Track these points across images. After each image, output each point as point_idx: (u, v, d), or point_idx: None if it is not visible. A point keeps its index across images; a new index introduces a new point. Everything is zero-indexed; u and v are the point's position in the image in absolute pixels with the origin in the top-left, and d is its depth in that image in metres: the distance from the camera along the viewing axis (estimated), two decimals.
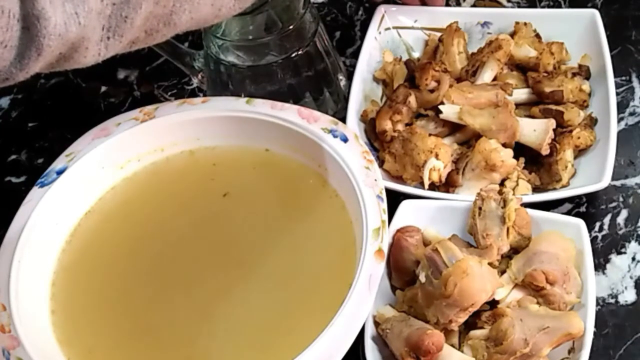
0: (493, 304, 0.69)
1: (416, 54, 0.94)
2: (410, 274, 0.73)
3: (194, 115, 0.79)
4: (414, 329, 0.67)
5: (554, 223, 0.74)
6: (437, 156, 0.79)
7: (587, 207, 0.81)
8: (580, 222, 0.73)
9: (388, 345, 0.69)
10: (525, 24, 0.90)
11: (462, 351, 0.67)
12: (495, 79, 0.86)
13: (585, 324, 0.66)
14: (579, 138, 0.81)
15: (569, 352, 0.67)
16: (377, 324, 0.70)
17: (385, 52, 0.92)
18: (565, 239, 0.72)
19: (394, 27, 0.93)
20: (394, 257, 0.73)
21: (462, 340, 0.69)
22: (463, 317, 0.67)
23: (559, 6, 1.00)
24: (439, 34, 0.92)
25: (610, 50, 0.86)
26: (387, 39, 0.93)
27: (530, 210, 0.74)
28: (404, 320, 0.68)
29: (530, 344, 0.65)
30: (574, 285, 0.70)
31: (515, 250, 0.73)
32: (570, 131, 0.81)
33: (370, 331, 0.70)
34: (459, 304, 0.66)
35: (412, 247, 0.73)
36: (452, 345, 0.68)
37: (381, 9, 0.93)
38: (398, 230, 0.74)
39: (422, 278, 0.68)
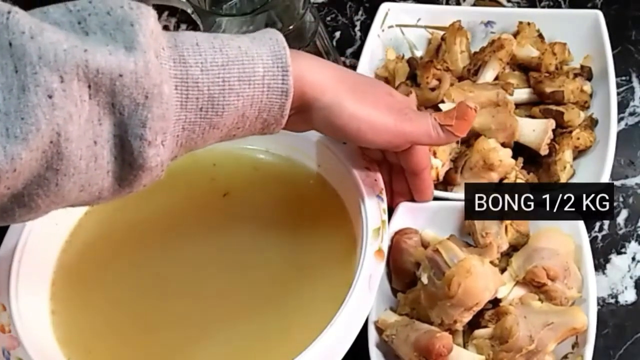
0: (495, 302, 0.69)
1: (419, 52, 0.94)
2: (410, 276, 0.72)
3: None
4: (421, 333, 0.66)
5: (553, 222, 0.74)
6: (435, 154, 0.78)
7: None
8: (580, 222, 0.73)
9: (394, 351, 0.68)
10: (528, 23, 0.89)
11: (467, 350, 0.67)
12: (497, 78, 0.86)
13: (588, 318, 0.66)
14: (578, 139, 0.81)
15: (573, 347, 0.67)
16: (379, 330, 0.69)
17: (388, 49, 0.92)
18: (563, 234, 0.72)
19: (397, 25, 0.93)
20: (393, 259, 0.73)
21: (466, 340, 0.69)
22: (467, 317, 0.67)
23: (559, 6, 0.99)
24: (442, 33, 0.91)
25: (611, 50, 0.86)
26: (390, 37, 0.93)
27: None
28: (408, 325, 0.68)
29: (535, 341, 0.64)
30: (575, 280, 0.70)
31: (514, 248, 0.73)
32: (570, 132, 0.80)
33: (373, 338, 0.69)
34: (463, 303, 0.66)
35: (411, 249, 0.72)
36: (457, 345, 0.68)
37: (385, 7, 0.93)
38: (396, 233, 0.74)
39: (424, 279, 0.68)
